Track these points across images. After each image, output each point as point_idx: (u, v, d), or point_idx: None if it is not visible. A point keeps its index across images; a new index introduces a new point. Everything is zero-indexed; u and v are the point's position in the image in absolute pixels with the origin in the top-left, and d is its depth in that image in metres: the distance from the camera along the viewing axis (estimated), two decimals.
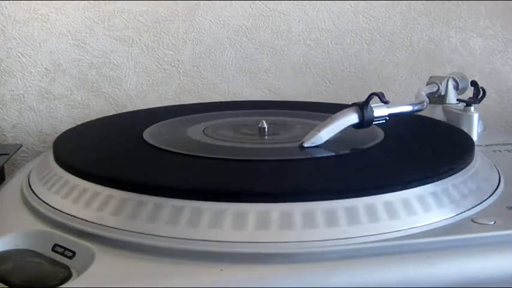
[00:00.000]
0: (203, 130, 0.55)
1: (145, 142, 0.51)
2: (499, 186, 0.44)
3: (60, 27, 0.73)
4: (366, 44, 0.79)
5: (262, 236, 0.35)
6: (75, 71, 0.74)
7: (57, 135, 0.55)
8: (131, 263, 0.34)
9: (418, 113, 0.54)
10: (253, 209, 0.36)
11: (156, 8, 0.74)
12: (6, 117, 0.74)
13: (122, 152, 0.49)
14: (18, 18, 0.71)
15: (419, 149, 0.49)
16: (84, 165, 0.44)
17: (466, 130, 0.57)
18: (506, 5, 0.80)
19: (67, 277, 0.34)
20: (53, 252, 0.37)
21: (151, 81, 0.76)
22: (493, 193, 0.43)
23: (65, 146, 0.50)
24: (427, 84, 0.65)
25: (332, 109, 0.51)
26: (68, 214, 0.39)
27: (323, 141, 0.48)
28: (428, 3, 0.79)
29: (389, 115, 0.50)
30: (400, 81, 0.80)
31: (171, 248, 0.35)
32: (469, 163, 0.45)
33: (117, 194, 0.39)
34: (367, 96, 0.48)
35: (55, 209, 0.40)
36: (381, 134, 0.51)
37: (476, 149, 0.48)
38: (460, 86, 0.65)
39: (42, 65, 0.73)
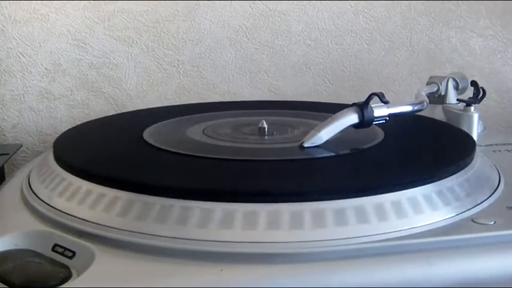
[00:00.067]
0: (203, 130, 0.55)
1: (145, 142, 0.51)
2: (499, 186, 0.44)
3: (60, 27, 0.73)
4: (366, 44, 0.79)
5: (262, 236, 0.35)
6: (75, 71, 0.74)
7: (57, 135, 0.55)
8: (131, 263, 0.34)
9: (418, 113, 0.54)
10: (253, 210, 0.36)
11: (156, 8, 0.74)
12: (6, 117, 0.74)
13: (122, 152, 0.49)
14: (18, 18, 0.71)
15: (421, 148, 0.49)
16: (84, 165, 0.44)
17: (466, 130, 0.57)
18: (506, 5, 0.80)
19: (67, 277, 0.34)
20: (53, 252, 0.37)
21: (151, 81, 0.76)
22: (493, 193, 0.43)
23: (65, 146, 0.50)
24: (427, 84, 0.65)
25: (332, 109, 0.51)
26: (68, 214, 0.39)
27: (323, 141, 0.48)
28: (428, 3, 0.79)
29: (389, 115, 0.50)
30: (400, 81, 0.80)
31: (171, 248, 0.35)
32: (469, 163, 0.45)
33: (117, 194, 0.39)
34: (367, 96, 0.48)
35: (55, 209, 0.40)
36: (380, 134, 0.51)
37: (476, 149, 0.48)
38: (460, 86, 0.65)
39: (42, 65, 0.73)
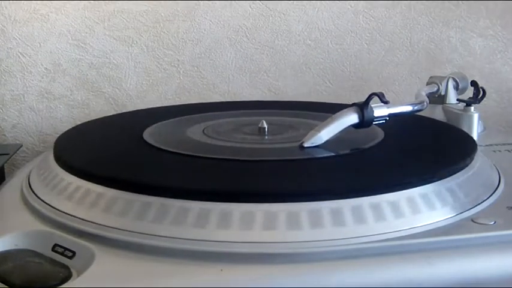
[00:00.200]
0: (203, 130, 0.55)
1: (145, 142, 0.51)
2: (499, 186, 0.44)
3: (60, 27, 0.73)
4: (366, 44, 0.79)
5: (262, 236, 0.35)
6: (75, 71, 0.74)
7: (57, 135, 0.55)
8: (131, 263, 0.34)
9: (418, 113, 0.54)
10: (253, 210, 0.36)
11: (156, 8, 0.74)
12: (6, 117, 0.74)
13: (122, 152, 0.49)
14: (18, 18, 0.71)
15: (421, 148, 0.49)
16: (84, 165, 0.44)
17: (466, 130, 0.57)
18: (506, 5, 0.80)
19: (67, 277, 0.34)
20: (53, 252, 0.37)
21: (151, 81, 0.76)
22: (493, 193, 0.43)
23: (65, 146, 0.50)
24: (427, 84, 0.65)
25: (332, 109, 0.51)
26: (68, 214, 0.39)
27: (323, 141, 0.48)
28: (428, 3, 0.79)
29: (389, 115, 0.50)
30: (400, 81, 0.80)
31: (171, 248, 0.35)
32: (469, 163, 0.45)
33: (117, 194, 0.39)
34: (367, 96, 0.48)
35: (55, 209, 0.40)
36: (380, 134, 0.51)
37: (477, 149, 0.48)
38: (460, 86, 0.65)
39: (42, 65, 0.73)
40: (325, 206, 0.37)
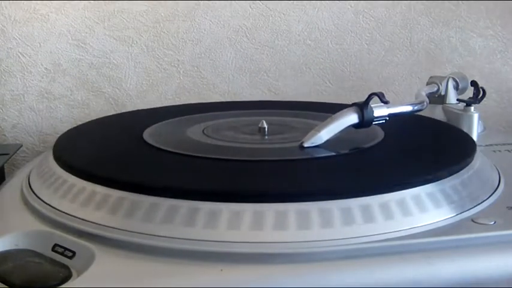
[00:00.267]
0: (203, 130, 0.55)
1: (145, 142, 0.51)
2: (499, 186, 0.44)
3: (60, 27, 0.73)
4: (366, 44, 0.79)
5: (262, 236, 0.35)
6: (75, 71, 0.74)
7: (57, 135, 0.55)
8: (131, 263, 0.34)
9: (418, 113, 0.54)
10: (253, 209, 0.36)
11: (156, 8, 0.74)
12: (6, 117, 0.74)
13: (122, 152, 0.49)
14: (18, 18, 0.71)
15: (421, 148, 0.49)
16: (84, 165, 0.44)
17: (466, 130, 0.57)
18: (506, 5, 0.80)
19: (67, 277, 0.34)
20: (53, 252, 0.37)
21: (151, 81, 0.76)
22: (493, 193, 0.43)
23: (65, 146, 0.50)
24: (427, 84, 0.65)
25: (332, 109, 0.51)
26: (68, 214, 0.39)
27: (323, 141, 0.48)
28: (428, 3, 0.79)
29: (389, 115, 0.50)
30: (400, 81, 0.80)
31: (171, 248, 0.35)
32: (469, 163, 0.45)
33: (117, 194, 0.39)
34: (367, 96, 0.48)
35: (55, 209, 0.40)
36: (380, 134, 0.51)
37: (477, 149, 0.48)
38: (460, 86, 0.65)
39: (42, 65, 0.73)
40: (325, 206, 0.37)
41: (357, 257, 0.34)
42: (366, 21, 0.78)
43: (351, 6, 0.78)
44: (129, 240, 0.36)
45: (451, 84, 0.65)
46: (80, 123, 0.63)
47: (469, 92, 0.63)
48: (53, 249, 0.37)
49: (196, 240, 0.35)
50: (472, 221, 0.38)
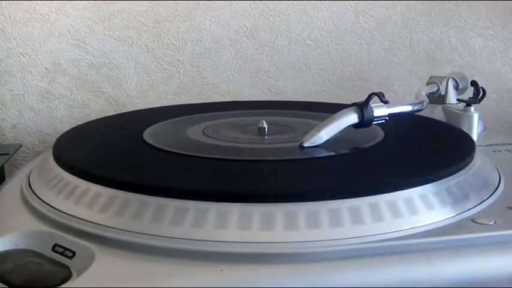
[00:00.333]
0: (203, 130, 0.55)
1: (145, 142, 0.51)
2: (499, 186, 0.44)
3: (60, 27, 0.73)
4: (366, 44, 0.79)
5: (262, 236, 0.35)
6: (75, 71, 0.74)
7: (57, 135, 0.55)
8: (131, 263, 0.34)
9: (418, 113, 0.54)
10: (253, 210, 0.36)
11: (156, 8, 0.74)
12: (6, 117, 0.74)
13: (122, 152, 0.49)
14: (18, 18, 0.72)
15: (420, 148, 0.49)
16: (84, 165, 0.44)
17: (466, 130, 0.57)
18: (506, 5, 0.80)
19: (67, 277, 0.34)
20: (53, 252, 0.37)
21: (151, 81, 0.76)
22: (493, 193, 0.43)
23: (65, 146, 0.50)
24: (427, 84, 0.65)
25: (332, 109, 0.51)
26: (68, 214, 0.39)
27: (323, 141, 0.48)
28: (428, 3, 0.79)
29: (389, 115, 0.50)
30: (400, 81, 0.80)
31: (171, 248, 0.35)
32: (469, 163, 0.45)
33: (117, 194, 0.39)
34: (367, 96, 0.48)
35: (55, 209, 0.40)
36: (380, 134, 0.51)
37: (476, 149, 0.48)
38: (460, 86, 0.65)
39: (42, 65, 0.73)
40: (325, 206, 0.37)
41: (357, 257, 0.34)
42: (366, 21, 0.78)
43: (351, 6, 0.78)
44: (129, 240, 0.36)
45: (451, 84, 0.65)
46: (80, 123, 0.63)
47: (469, 92, 0.63)
48: (53, 249, 0.37)
49: (196, 240, 0.35)
50: (472, 221, 0.38)
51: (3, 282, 0.34)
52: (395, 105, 0.50)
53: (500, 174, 0.47)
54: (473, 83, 0.62)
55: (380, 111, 0.49)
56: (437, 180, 0.41)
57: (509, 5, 0.80)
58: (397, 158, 0.47)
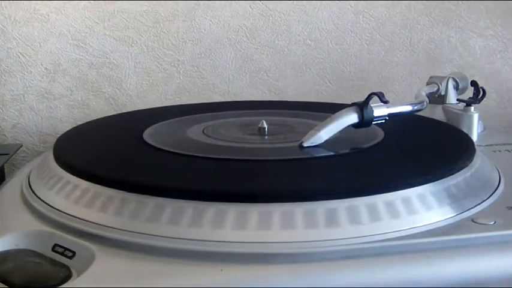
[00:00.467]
0: (203, 130, 0.55)
1: (145, 142, 0.51)
2: (499, 186, 0.44)
3: (60, 27, 0.73)
4: (366, 44, 0.79)
5: (262, 236, 0.35)
6: (75, 71, 0.74)
7: (57, 135, 0.55)
8: (131, 263, 0.34)
9: (418, 113, 0.54)
10: (253, 209, 0.36)
11: (156, 8, 0.74)
12: (6, 117, 0.74)
13: (122, 152, 0.49)
14: (18, 18, 0.72)
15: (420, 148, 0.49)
16: (84, 165, 0.44)
17: (466, 130, 0.57)
18: (506, 5, 0.80)
19: (67, 277, 0.34)
20: (53, 252, 0.37)
21: (151, 81, 0.76)
22: (493, 193, 0.43)
23: (65, 146, 0.50)
24: (427, 84, 0.65)
25: (332, 109, 0.51)
26: (68, 214, 0.39)
27: (323, 141, 0.48)
28: (428, 3, 0.79)
29: (389, 115, 0.50)
30: (400, 81, 0.80)
31: (171, 248, 0.35)
32: (469, 163, 0.45)
33: (117, 194, 0.39)
34: (367, 96, 0.48)
35: (55, 209, 0.40)
36: (380, 134, 0.51)
37: (476, 149, 0.48)
38: (460, 86, 0.65)
39: (42, 65, 0.73)
40: (325, 206, 0.37)
41: (357, 257, 0.34)
42: (366, 21, 0.78)
43: (351, 6, 0.78)
44: (129, 240, 0.36)
45: (451, 84, 0.65)
46: (80, 123, 0.64)
47: (469, 92, 0.63)
48: (53, 249, 0.37)
49: (196, 240, 0.35)
50: (472, 221, 0.38)
51: (3, 282, 0.34)
52: (395, 105, 0.50)
53: (500, 174, 0.47)
54: (473, 83, 0.62)
55: (380, 111, 0.49)
56: (437, 180, 0.41)
57: (509, 5, 0.80)
58: (396, 158, 0.47)
